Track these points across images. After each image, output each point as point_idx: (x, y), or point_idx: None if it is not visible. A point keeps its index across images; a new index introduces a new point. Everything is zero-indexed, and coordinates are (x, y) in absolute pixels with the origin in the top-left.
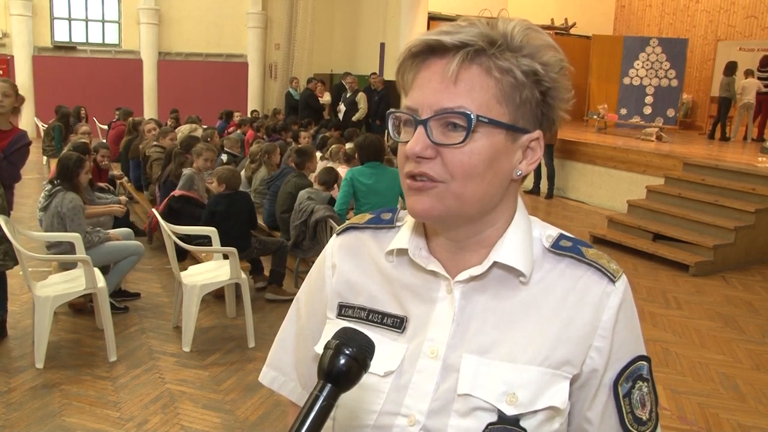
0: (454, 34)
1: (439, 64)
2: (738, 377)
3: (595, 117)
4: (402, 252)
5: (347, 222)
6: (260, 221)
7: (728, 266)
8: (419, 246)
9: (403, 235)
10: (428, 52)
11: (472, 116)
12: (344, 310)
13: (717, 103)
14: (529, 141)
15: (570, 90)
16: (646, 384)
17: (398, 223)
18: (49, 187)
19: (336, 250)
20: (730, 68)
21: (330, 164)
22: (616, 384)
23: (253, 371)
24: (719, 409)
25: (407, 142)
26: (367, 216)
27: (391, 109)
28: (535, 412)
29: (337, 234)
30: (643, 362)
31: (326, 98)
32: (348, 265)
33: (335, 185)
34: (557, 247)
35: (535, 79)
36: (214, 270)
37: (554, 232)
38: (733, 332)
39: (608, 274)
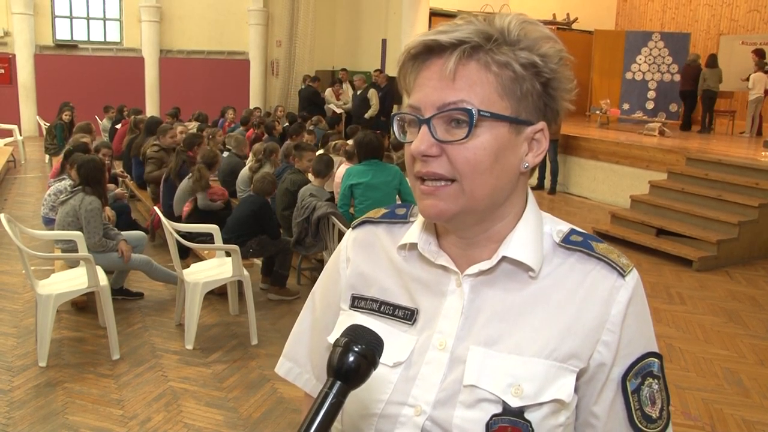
0: (451, 33)
1: (437, 63)
2: (742, 372)
3: (597, 112)
4: (413, 246)
5: (363, 216)
6: None
7: (732, 261)
8: (429, 241)
9: (414, 230)
10: (427, 52)
11: (473, 111)
12: (357, 301)
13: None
14: (533, 133)
15: (572, 80)
16: (656, 381)
17: (411, 219)
18: (71, 183)
19: (350, 243)
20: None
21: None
22: (624, 379)
23: (256, 368)
24: (723, 404)
25: (412, 142)
26: (382, 210)
27: (395, 111)
28: (541, 404)
29: (353, 228)
30: (654, 359)
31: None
32: (361, 258)
33: (330, 173)
34: (567, 242)
35: (535, 71)
36: (217, 267)
37: (565, 227)
38: (737, 327)
39: (618, 269)
